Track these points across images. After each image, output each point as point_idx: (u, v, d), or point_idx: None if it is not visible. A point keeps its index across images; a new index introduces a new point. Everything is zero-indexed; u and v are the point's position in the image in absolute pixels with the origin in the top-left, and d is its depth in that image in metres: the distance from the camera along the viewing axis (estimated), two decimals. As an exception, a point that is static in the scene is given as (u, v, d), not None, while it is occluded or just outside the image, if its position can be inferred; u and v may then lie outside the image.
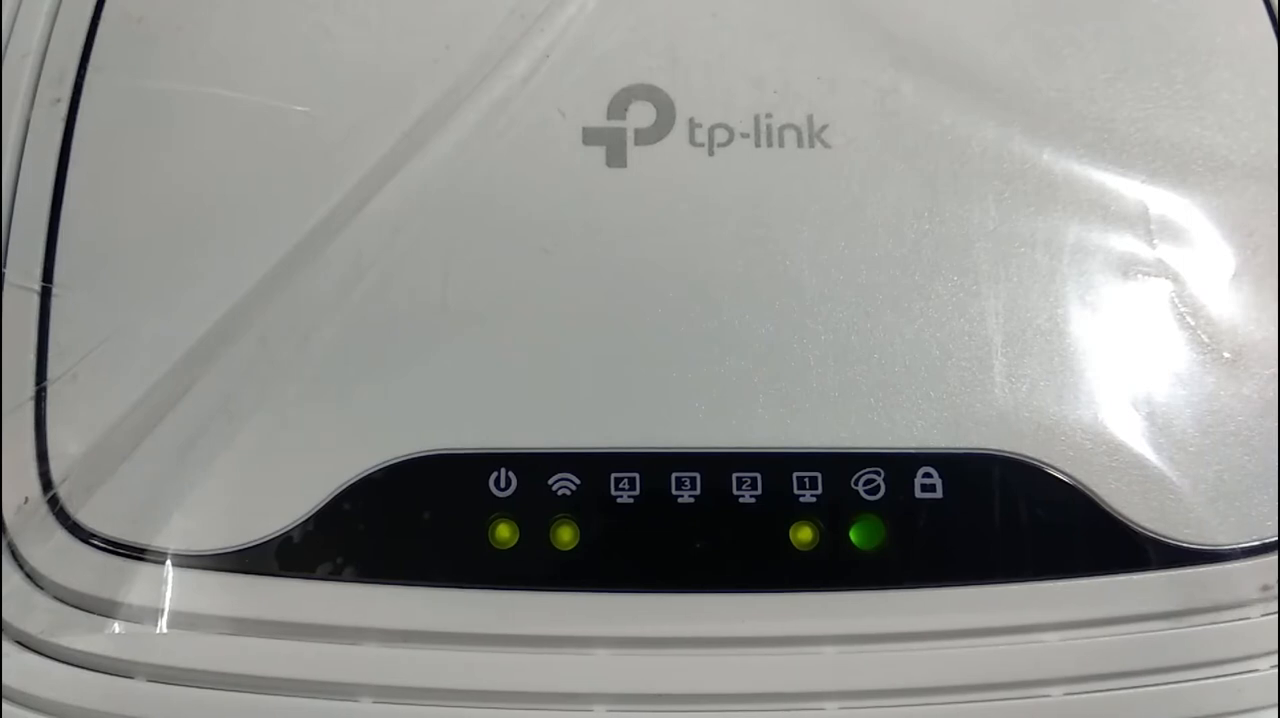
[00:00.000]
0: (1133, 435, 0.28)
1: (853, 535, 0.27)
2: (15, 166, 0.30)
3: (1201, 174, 0.30)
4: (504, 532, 0.27)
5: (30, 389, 0.28)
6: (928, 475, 0.27)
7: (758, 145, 0.30)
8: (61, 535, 0.27)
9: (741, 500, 0.27)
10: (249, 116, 0.30)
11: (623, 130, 0.30)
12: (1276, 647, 0.27)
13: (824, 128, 0.30)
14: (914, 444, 0.27)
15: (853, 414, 0.28)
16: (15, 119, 0.30)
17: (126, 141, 0.30)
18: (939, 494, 0.27)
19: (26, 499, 0.27)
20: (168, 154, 0.30)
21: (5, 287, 0.29)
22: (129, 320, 0.28)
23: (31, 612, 0.27)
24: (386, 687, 0.26)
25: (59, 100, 0.31)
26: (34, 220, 0.29)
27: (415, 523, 0.27)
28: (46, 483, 0.27)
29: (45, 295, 0.29)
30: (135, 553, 0.27)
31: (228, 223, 0.29)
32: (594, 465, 0.27)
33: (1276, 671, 0.26)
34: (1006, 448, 0.27)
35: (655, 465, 0.27)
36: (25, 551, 0.27)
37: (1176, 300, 0.29)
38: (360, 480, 0.27)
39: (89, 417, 0.28)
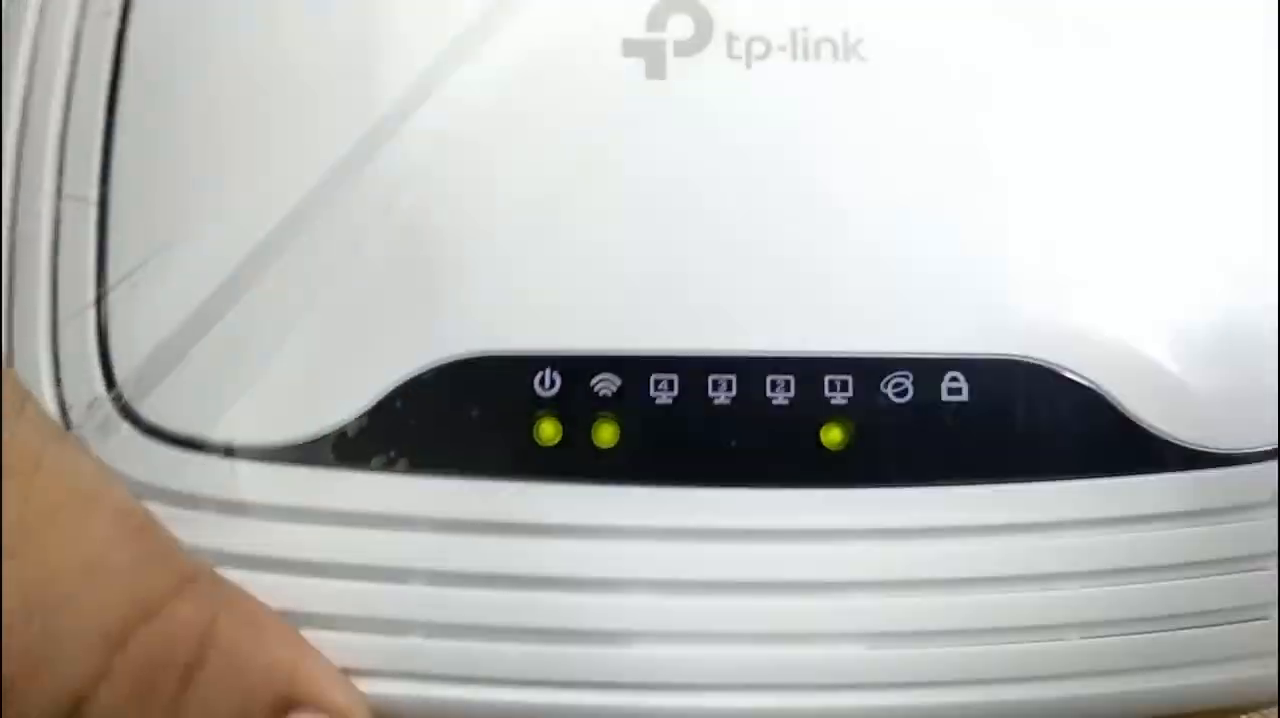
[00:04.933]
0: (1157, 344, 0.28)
1: (879, 436, 0.28)
2: (67, 79, 0.31)
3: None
4: (548, 429, 0.28)
5: (90, 296, 0.29)
6: (954, 379, 0.28)
7: (794, 59, 0.30)
8: (126, 429, 0.28)
9: (775, 402, 0.28)
10: (298, 27, 0.31)
11: (662, 43, 0.30)
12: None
13: (859, 41, 0.30)
14: (942, 350, 0.28)
15: (882, 320, 0.28)
16: (67, 32, 0.31)
17: (178, 51, 0.31)
18: (964, 398, 0.28)
19: (93, 400, 0.28)
20: (220, 63, 0.30)
21: (63, 199, 0.30)
22: (186, 229, 0.29)
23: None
24: (437, 572, 0.27)
25: (109, 13, 0.31)
26: (88, 132, 0.30)
27: (464, 421, 0.28)
28: (110, 382, 0.28)
29: (103, 206, 0.30)
30: (198, 446, 0.28)
31: (280, 132, 0.30)
32: (635, 367, 0.28)
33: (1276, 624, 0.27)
34: (1032, 354, 0.28)
35: (693, 368, 0.28)
36: (92, 447, 0.28)
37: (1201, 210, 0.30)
38: (410, 380, 0.28)
39: (149, 322, 0.29)
